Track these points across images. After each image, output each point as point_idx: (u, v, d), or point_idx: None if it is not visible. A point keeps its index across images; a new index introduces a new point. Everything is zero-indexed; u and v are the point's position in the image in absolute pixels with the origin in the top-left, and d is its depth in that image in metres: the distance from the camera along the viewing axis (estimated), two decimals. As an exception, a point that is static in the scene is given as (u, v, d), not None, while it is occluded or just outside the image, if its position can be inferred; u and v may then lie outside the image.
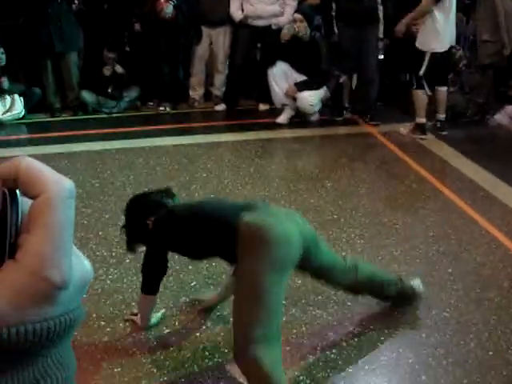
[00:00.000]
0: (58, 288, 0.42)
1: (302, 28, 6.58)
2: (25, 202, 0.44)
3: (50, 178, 0.43)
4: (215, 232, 2.82)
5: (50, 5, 6.74)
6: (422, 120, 6.60)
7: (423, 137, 6.56)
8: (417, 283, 3.51)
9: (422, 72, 6.36)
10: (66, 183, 0.44)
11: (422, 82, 6.46)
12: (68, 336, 0.46)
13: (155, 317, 3.35)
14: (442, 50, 6.36)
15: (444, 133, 6.65)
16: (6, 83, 6.88)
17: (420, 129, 6.60)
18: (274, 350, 2.63)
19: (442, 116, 6.75)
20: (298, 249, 2.77)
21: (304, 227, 2.90)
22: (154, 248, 3.03)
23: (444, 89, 6.69)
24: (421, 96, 6.54)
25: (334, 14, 6.87)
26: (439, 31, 6.27)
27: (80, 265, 0.45)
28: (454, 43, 6.57)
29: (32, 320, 0.42)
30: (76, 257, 0.45)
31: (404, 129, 6.68)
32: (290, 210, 3.00)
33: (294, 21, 6.62)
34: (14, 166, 0.43)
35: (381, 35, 6.97)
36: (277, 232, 2.69)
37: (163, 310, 3.43)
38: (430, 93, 6.56)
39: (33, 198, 0.43)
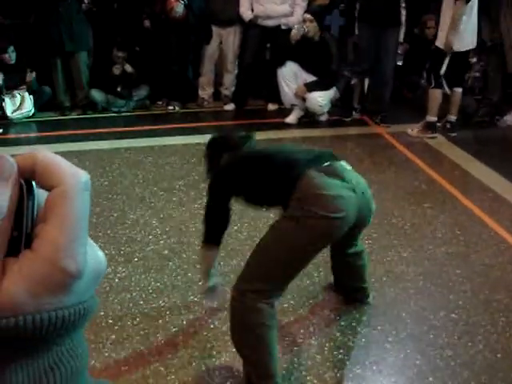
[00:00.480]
0: (72, 277, 0.43)
1: (312, 28, 6.57)
2: (40, 194, 0.45)
3: (67, 170, 0.44)
4: (277, 176, 2.79)
5: (60, 4, 6.77)
6: (434, 118, 6.63)
7: (433, 135, 6.58)
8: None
9: (442, 71, 6.38)
10: (82, 176, 0.45)
11: (441, 81, 6.48)
12: (81, 325, 0.46)
13: (212, 280, 3.23)
14: (463, 50, 6.36)
15: (453, 134, 6.64)
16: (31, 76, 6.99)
17: (431, 127, 6.62)
18: (270, 309, 2.71)
19: (453, 117, 6.75)
20: (345, 228, 2.73)
21: (367, 206, 2.87)
22: (217, 195, 2.99)
23: (460, 90, 6.70)
24: (437, 95, 6.58)
25: (356, 14, 6.88)
26: (461, 31, 6.24)
27: (94, 255, 0.46)
28: (474, 45, 6.52)
29: (47, 308, 0.42)
30: (90, 247, 0.46)
31: (412, 130, 6.68)
32: (362, 179, 2.88)
33: (304, 21, 6.61)
34: (31, 158, 0.44)
35: (401, 40, 6.93)
36: (336, 205, 2.63)
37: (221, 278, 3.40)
38: (449, 92, 6.57)
39: (49, 189, 0.44)
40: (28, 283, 0.42)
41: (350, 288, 3.58)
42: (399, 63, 7.16)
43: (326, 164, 2.79)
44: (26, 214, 0.44)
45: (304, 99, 6.82)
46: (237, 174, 2.97)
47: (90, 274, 0.45)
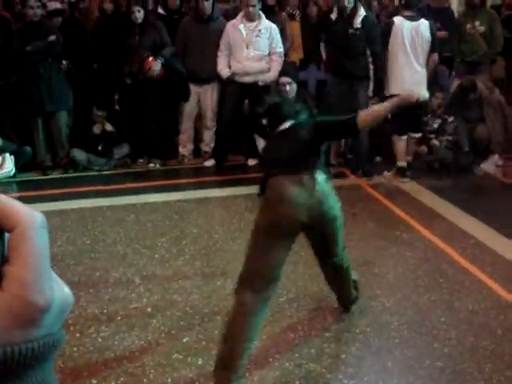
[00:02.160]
0: (41, 311, 0.46)
1: (293, 89, 6.59)
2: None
3: (23, 210, 0.47)
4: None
5: (41, 65, 6.85)
6: (402, 163, 6.97)
7: (405, 180, 6.87)
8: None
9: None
10: (38, 215, 0.48)
11: (397, 127, 6.92)
12: (51, 357, 0.49)
13: None
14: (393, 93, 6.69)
15: (408, 173, 6.93)
16: None
17: (400, 172, 6.95)
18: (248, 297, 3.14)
19: (408, 158, 7.10)
20: (294, 229, 3.29)
21: (321, 214, 3.33)
22: None
23: (414, 135, 7.10)
24: (398, 140, 6.99)
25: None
26: (390, 79, 6.81)
27: (60, 290, 0.49)
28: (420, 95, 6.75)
29: (18, 341, 0.45)
30: (56, 283, 0.49)
31: (386, 173, 7.01)
32: (329, 191, 3.54)
33: (283, 85, 6.58)
34: None
35: (370, 93, 7.03)
36: (286, 209, 3.20)
37: None
38: (403, 137, 7.00)
39: (8, 230, 0.47)
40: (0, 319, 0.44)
41: (335, 292, 3.94)
42: None
43: (298, 173, 3.27)
44: None
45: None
46: None
47: (58, 306, 0.47)
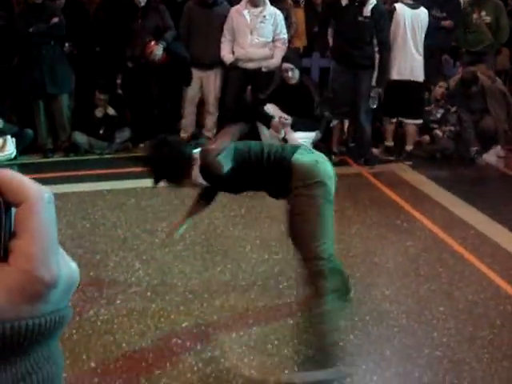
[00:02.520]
0: (48, 286, 0.45)
1: (296, 75, 6.59)
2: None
3: (31, 186, 0.47)
4: (269, 174, 3.45)
5: (43, 47, 6.82)
6: (388, 143, 7.41)
7: (391, 158, 7.28)
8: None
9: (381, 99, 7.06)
10: (46, 190, 0.48)
11: (386, 111, 7.26)
12: (57, 333, 0.49)
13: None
14: (392, 79, 6.97)
15: (408, 162, 7.14)
16: (0, 122, 6.94)
17: (387, 150, 7.38)
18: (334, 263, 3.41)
19: (408, 147, 7.35)
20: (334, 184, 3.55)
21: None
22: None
23: (408, 121, 7.28)
24: (386, 122, 7.41)
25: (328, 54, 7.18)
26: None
27: (67, 266, 0.49)
28: (416, 79, 7.05)
29: (25, 317, 0.45)
30: (63, 259, 0.48)
31: (375, 149, 7.38)
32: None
33: (286, 70, 6.58)
34: None
35: (374, 83, 6.99)
36: (326, 170, 3.52)
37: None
38: (391, 121, 7.36)
39: (15, 205, 0.46)
40: (6, 293, 0.44)
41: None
42: (373, 106, 7.01)
43: (301, 148, 3.59)
44: (4, 228, 0.46)
45: (285, 140, 6.84)
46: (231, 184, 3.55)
47: (65, 283, 0.47)
